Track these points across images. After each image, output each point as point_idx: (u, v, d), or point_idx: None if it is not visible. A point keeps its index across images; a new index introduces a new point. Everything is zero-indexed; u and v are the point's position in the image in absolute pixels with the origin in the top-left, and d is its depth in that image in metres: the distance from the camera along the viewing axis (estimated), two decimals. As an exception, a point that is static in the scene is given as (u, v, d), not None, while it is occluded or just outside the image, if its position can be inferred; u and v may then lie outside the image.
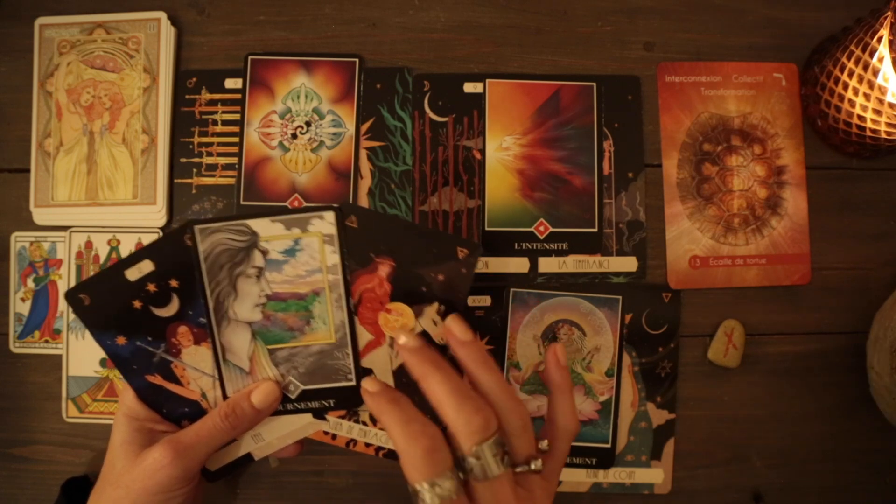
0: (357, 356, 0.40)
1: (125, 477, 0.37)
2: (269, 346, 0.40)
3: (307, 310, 0.40)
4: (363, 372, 0.40)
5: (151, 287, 0.39)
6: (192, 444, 0.38)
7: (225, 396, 0.40)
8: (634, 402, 0.49)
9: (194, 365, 0.40)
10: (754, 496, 0.50)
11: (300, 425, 0.41)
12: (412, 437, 0.32)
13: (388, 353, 0.40)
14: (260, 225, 0.39)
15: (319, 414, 0.42)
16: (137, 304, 0.39)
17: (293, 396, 0.41)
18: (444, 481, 0.31)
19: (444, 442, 0.32)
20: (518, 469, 0.33)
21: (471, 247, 0.39)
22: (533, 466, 0.33)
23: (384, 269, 0.39)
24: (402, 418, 0.33)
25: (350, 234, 0.39)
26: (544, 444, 0.36)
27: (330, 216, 0.38)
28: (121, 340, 0.39)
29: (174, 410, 0.40)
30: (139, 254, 0.38)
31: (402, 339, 0.35)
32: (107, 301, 0.39)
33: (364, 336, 0.40)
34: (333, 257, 0.39)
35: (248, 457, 0.42)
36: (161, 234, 0.49)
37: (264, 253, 0.39)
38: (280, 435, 0.42)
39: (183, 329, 0.39)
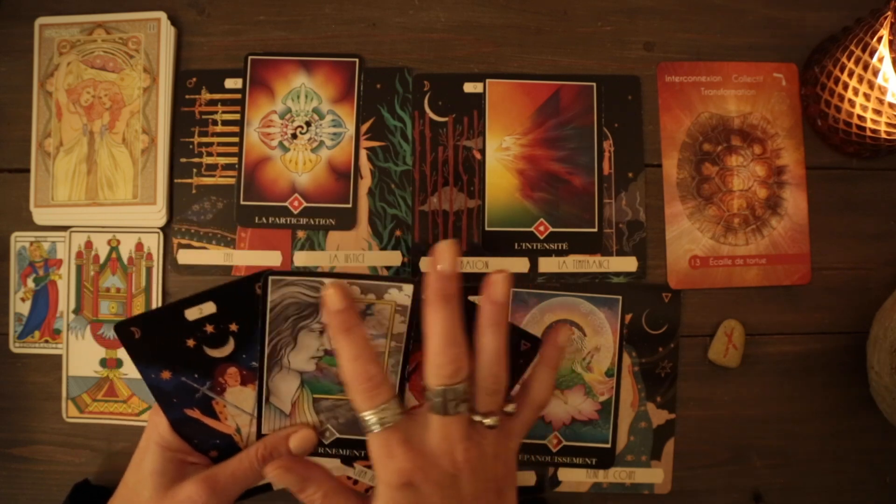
0: None
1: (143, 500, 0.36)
2: (315, 395, 0.39)
3: None
4: None
5: (210, 328, 0.38)
6: (227, 484, 0.37)
7: (259, 434, 0.39)
8: (634, 402, 0.49)
9: (236, 403, 0.39)
10: (754, 496, 0.50)
11: (328, 467, 0.41)
12: (356, 375, 0.35)
13: None
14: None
15: (348, 461, 0.41)
16: (191, 342, 0.38)
17: (327, 442, 0.40)
18: (384, 412, 0.34)
19: (384, 378, 0.35)
20: (475, 417, 0.35)
21: (533, 340, 0.39)
22: (487, 421, 0.35)
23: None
24: (351, 353, 0.35)
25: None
26: (510, 407, 0.37)
27: (408, 289, 0.37)
28: (166, 375, 0.38)
29: (205, 442, 0.39)
30: (203, 295, 0.37)
31: (442, 258, 0.35)
32: (159, 337, 0.38)
33: (411, 401, 0.40)
34: (401, 327, 0.38)
35: (268, 486, 0.41)
36: (161, 234, 0.49)
37: None
38: None
39: (232, 370, 0.39)
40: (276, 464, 0.37)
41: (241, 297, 0.38)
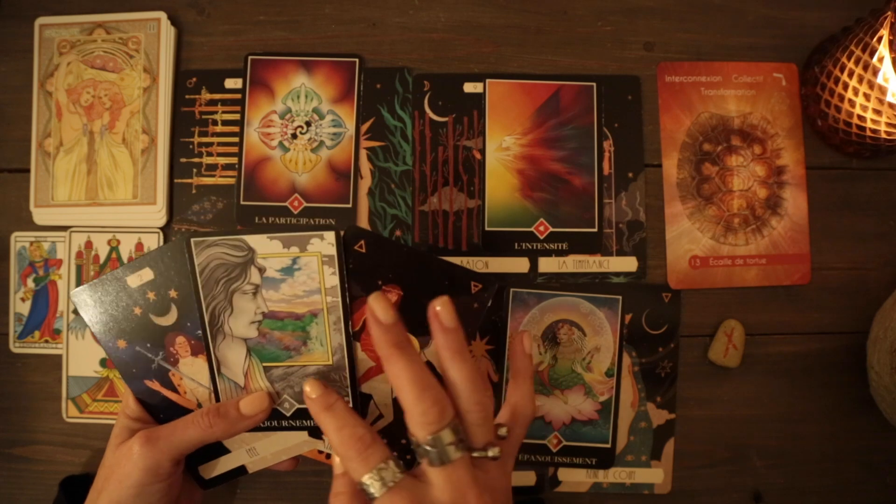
0: (355, 380, 0.40)
1: (106, 463, 0.39)
2: (265, 364, 0.40)
3: (304, 330, 0.39)
4: (362, 398, 0.40)
5: (151, 295, 0.39)
6: (164, 435, 0.38)
7: None
8: (634, 402, 0.49)
9: (191, 376, 0.40)
10: (754, 496, 0.50)
11: (295, 442, 0.41)
12: (344, 442, 0.34)
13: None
14: (257, 241, 0.39)
15: (315, 433, 0.41)
16: (138, 310, 0.39)
17: (288, 414, 0.40)
18: (383, 472, 0.33)
19: (375, 438, 0.34)
20: (475, 454, 0.34)
21: (485, 282, 0.38)
22: (490, 454, 0.34)
23: (391, 297, 0.39)
24: (336, 425, 0.35)
25: (357, 258, 0.38)
26: (503, 430, 0.37)
27: (330, 236, 0.38)
28: (122, 344, 0.39)
29: (170, 418, 0.40)
30: (140, 261, 0.39)
31: (378, 312, 0.34)
32: (110, 304, 0.39)
33: (365, 363, 0.40)
34: (333, 279, 0.38)
35: (243, 469, 0.42)
36: (161, 234, 0.49)
37: (261, 270, 0.39)
38: (275, 450, 0.42)
39: (181, 339, 0.40)
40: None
41: (174, 261, 0.39)
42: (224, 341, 0.39)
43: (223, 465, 0.41)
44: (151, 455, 0.37)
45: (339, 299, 0.39)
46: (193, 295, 0.39)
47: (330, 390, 0.37)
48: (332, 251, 0.38)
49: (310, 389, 0.36)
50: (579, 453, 0.49)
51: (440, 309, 0.34)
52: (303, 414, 0.41)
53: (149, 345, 0.39)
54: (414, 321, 0.38)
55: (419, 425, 0.33)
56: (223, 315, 0.39)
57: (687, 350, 0.50)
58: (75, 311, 0.49)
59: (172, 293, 0.39)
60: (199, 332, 0.39)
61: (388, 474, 0.33)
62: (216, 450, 0.41)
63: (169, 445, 0.38)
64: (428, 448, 0.33)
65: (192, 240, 0.38)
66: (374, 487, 0.33)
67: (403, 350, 0.34)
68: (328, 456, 0.42)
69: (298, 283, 0.38)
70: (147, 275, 0.39)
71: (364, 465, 0.33)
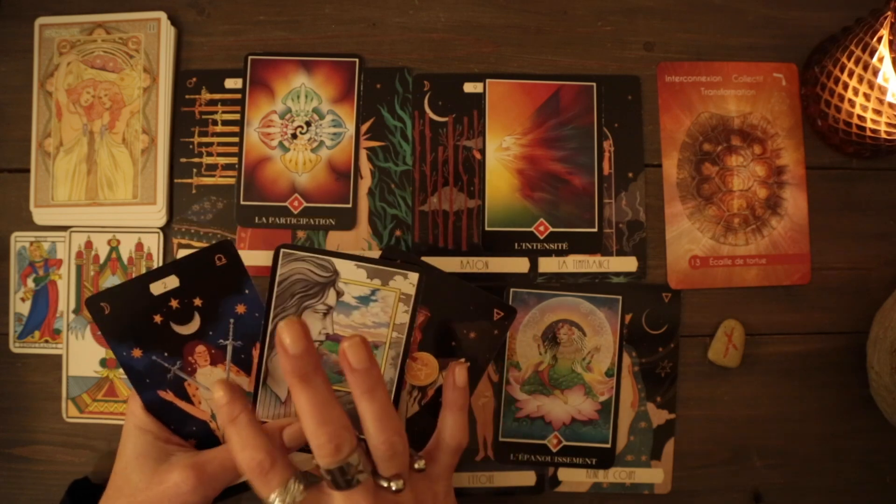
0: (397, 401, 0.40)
1: (142, 494, 0.36)
2: None
3: None
4: (408, 423, 0.40)
5: (174, 303, 0.38)
6: (216, 474, 0.37)
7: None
8: (634, 402, 0.49)
9: (207, 385, 0.39)
10: (754, 496, 0.50)
11: (302, 459, 0.40)
12: (245, 464, 0.34)
13: (406, 400, 0.40)
14: (344, 266, 0.39)
15: None
16: (158, 318, 0.38)
17: None
18: (284, 495, 0.33)
19: (276, 460, 0.34)
20: (381, 483, 0.35)
21: (507, 310, 0.39)
22: (393, 486, 0.35)
23: (419, 317, 0.39)
24: (238, 444, 0.34)
25: None
26: (420, 463, 0.37)
27: (414, 277, 0.38)
28: (137, 353, 0.39)
29: (182, 428, 0.40)
30: (166, 268, 0.38)
31: (286, 341, 0.33)
32: (128, 312, 0.38)
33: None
34: (404, 317, 0.39)
35: (246, 486, 0.41)
36: (161, 234, 0.49)
37: (339, 294, 0.39)
38: None
39: (201, 349, 0.39)
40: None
41: (202, 269, 0.38)
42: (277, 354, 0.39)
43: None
44: (204, 492, 0.36)
45: (404, 337, 0.39)
46: (223, 305, 0.38)
47: (237, 398, 0.35)
48: (412, 291, 0.39)
49: (220, 395, 0.35)
50: (579, 453, 0.49)
51: (348, 350, 0.34)
52: None
53: (166, 354, 0.39)
54: (438, 342, 0.39)
55: (317, 455, 0.33)
56: None
57: (687, 350, 0.50)
58: (75, 311, 0.49)
59: (197, 301, 0.38)
60: (221, 341, 0.39)
61: (289, 497, 0.33)
62: None
63: (220, 483, 0.37)
64: (327, 475, 0.33)
65: (283, 250, 0.38)
66: None
67: (308, 382, 0.33)
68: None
69: (370, 314, 0.39)
70: (172, 282, 0.38)
71: (266, 488, 0.33)
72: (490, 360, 0.40)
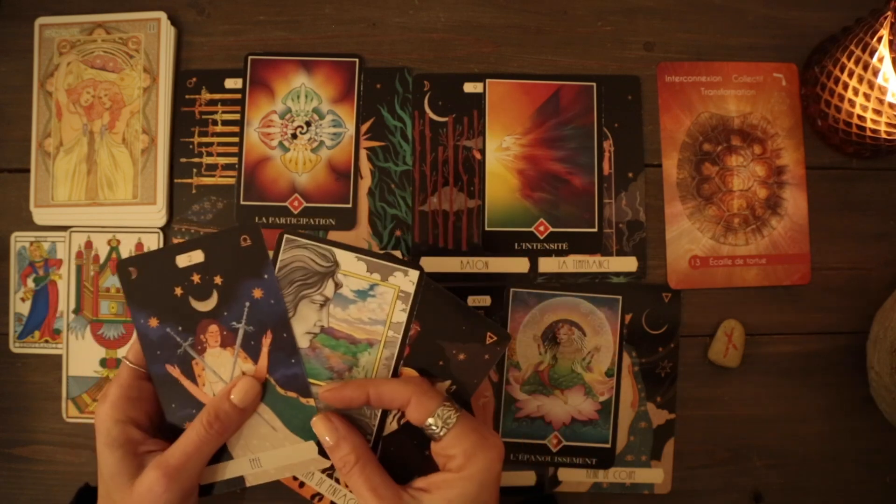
0: (384, 421, 0.40)
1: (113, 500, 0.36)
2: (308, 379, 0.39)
3: (354, 356, 0.39)
4: (385, 439, 0.40)
5: (196, 278, 0.38)
6: (181, 464, 0.36)
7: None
8: (634, 402, 0.49)
9: (214, 367, 0.39)
10: (754, 496, 0.50)
11: (301, 460, 0.40)
12: None
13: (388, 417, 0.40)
14: (344, 257, 0.39)
15: (325, 453, 0.40)
16: (179, 290, 0.39)
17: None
18: None
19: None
20: None
21: (500, 335, 0.38)
22: None
23: (410, 331, 0.39)
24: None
25: None
26: None
27: (414, 275, 0.38)
28: (153, 322, 0.39)
29: (182, 408, 0.39)
30: (194, 242, 0.39)
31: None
32: (152, 280, 0.39)
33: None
34: (401, 315, 0.39)
35: (241, 481, 0.40)
36: (161, 234, 0.49)
37: (338, 286, 0.39)
38: (279, 465, 0.40)
39: (213, 328, 0.39)
40: (318, 416, 0.38)
41: (227, 248, 0.38)
42: None
43: (222, 471, 0.40)
44: (177, 486, 0.36)
45: (400, 337, 0.39)
46: (240, 288, 0.38)
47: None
48: (411, 289, 0.38)
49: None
50: (579, 453, 0.49)
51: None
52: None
53: (180, 328, 0.39)
54: (427, 358, 0.39)
55: None
56: None
57: (687, 350, 0.50)
58: (75, 311, 0.49)
59: (217, 279, 0.39)
60: (234, 323, 0.39)
61: None
62: (219, 454, 0.40)
63: (190, 471, 0.37)
64: None
65: (286, 235, 0.38)
66: None
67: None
68: (301, 485, 0.42)
69: (367, 310, 0.38)
70: (197, 256, 0.38)
71: None
72: (477, 386, 0.39)
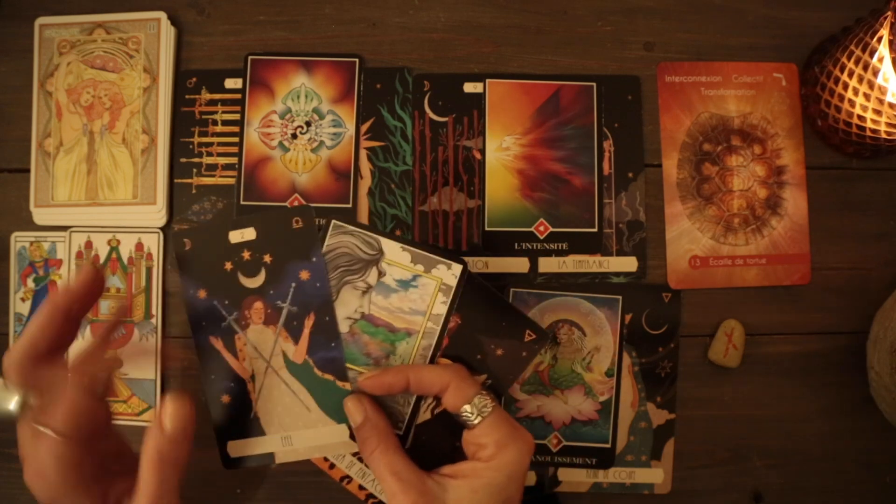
0: (417, 410, 0.40)
1: None
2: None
3: (392, 344, 0.40)
4: (417, 428, 0.40)
5: (246, 254, 0.40)
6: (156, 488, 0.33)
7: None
8: (634, 402, 0.49)
9: (255, 344, 0.40)
10: (754, 496, 0.50)
11: (332, 441, 0.40)
12: None
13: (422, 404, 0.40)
14: (390, 246, 0.40)
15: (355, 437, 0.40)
16: (229, 265, 0.40)
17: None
18: None
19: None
20: None
21: (540, 333, 0.39)
22: None
23: (450, 323, 0.40)
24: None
25: None
26: None
27: (457, 269, 0.39)
28: (202, 294, 0.40)
29: (220, 381, 0.40)
30: (248, 219, 0.40)
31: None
32: (205, 252, 0.40)
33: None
34: (441, 307, 0.39)
35: (271, 457, 0.40)
36: (161, 233, 0.49)
37: (381, 274, 0.40)
38: (310, 445, 0.40)
39: (258, 305, 0.40)
40: (351, 396, 0.38)
41: (279, 228, 0.40)
42: None
43: (253, 447, 0.40)
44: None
45: (439, 328, 0.39)
46: (288, 269, 0.39)
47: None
48: (453, 282, 0.39)
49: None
50: (579, 453, 0.49)
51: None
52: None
53: (227, 302, 0.40)
54: (465, 351, 0.39)
55: None
56: None
57: (687, 350, 0.50)
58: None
59: (267, 258, 0.40)
60: (279, 302, 0.40)
61: None
62: (251, 429, 0.40)
63: (164, 488, 0.34)
64: None
65: (333, 221, 0.40)
66: None
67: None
68: (332, 466, 0.42)
69: (408, 300, 0.39)
70: (250, 234, 0.39)
71: None
72: (513, 382, 0.40)
